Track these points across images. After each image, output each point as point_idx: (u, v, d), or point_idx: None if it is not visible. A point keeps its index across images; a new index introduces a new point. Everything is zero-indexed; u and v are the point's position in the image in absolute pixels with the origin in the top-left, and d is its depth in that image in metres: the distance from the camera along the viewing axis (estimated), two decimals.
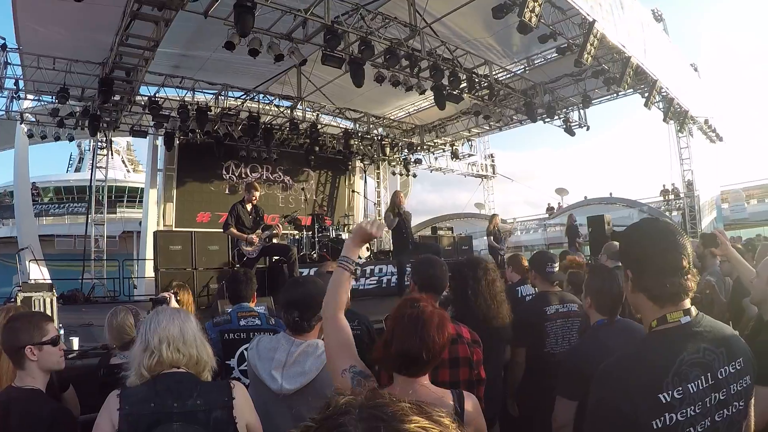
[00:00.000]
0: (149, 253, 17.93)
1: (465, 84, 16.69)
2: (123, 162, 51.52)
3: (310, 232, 17.28)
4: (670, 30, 22.56)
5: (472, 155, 30.73)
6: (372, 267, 15.84)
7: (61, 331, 7.62)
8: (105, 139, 22.14)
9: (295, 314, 3.34)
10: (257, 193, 10.80)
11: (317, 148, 23.51)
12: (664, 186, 32.80)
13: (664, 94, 19.18)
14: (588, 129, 22.41)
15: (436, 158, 29.02)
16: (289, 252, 10.74)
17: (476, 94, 18.22)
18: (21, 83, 16.72)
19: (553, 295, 5.11)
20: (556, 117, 21.38)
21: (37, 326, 3.34)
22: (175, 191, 22.28)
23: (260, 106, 20.98)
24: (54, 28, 13.99)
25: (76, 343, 7.12)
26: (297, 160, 24.88)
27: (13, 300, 9.22)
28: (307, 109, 22.29)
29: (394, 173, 29.19)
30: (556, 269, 5.27)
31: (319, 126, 22.62)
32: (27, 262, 19.44)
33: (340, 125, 24.77)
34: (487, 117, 21.23)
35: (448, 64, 15.83)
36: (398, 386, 2.58)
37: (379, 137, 25.98)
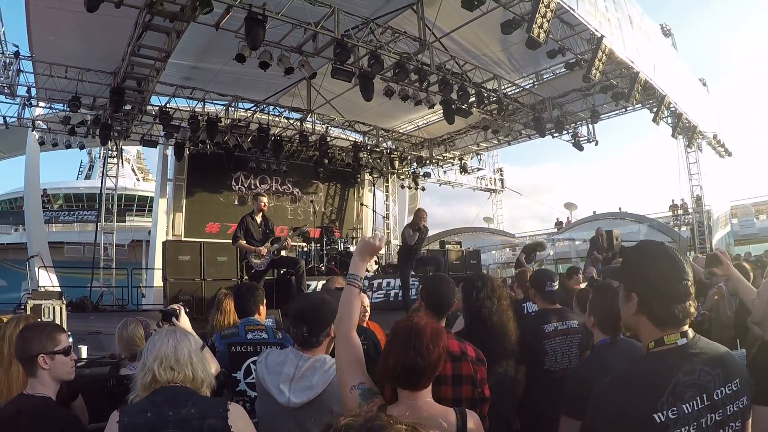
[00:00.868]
0: (158, 262, 17.99)
1: (474, 98, 16.67)
2: (133, 170, 51.62)
3: (319, 245, 17.34)
4: (678, 44, 22.59)
5: (481, 169, 30.74)
6: (379, 281, 15.89)
7: (70, 340, 7.69)
8: (115, 147, 22.28)
9: (304, 329, 3.39)
10: (264, 199, 10.80)
11: (326, 161, 23.52)
12: (673, 201, 32.79)
13: (673, 109, 19.16)
14: (597, 144, 22.37)
15: (444, 172, 28.99)
16: (297, 265, 10.77)
17: (485, 108, 18.30)
18: (33, 90, 16.86)
19: (552, 312, 5.13)
20: (565, 132, 21.41)
21: (50, 336, 3.44)
22: (184, 201, 22.34)
23: (270, 118, 21.07)
24: (67, 38, 14.12)
25: (84, 351, 7.15)
26: (306, 172, 24.94)
27: (23, 307, 9.29)
28: (316, 121, 22.34)
29: (402, 186, 29.20)
30: (556, 287, 5.29)
31: (329, 138, 22.70)
32: (36, 269, 19.53)
33: (350, 138, 24.80)
34: (495, 131, 21.24)
35: (457, 78, 15.90)
36: (402, 403, 2.63)
37: (388, 150, 26.01)
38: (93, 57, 15.26)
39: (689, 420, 2.03)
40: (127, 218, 41.63)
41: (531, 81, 19.76)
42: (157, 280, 18.24)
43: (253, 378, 4.32)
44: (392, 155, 26.08)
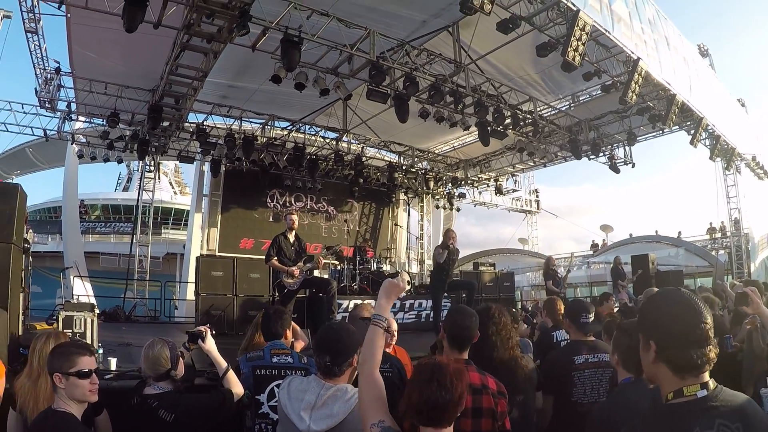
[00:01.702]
0: (191, 276, 18.14)
1: (509, 120, 16.68)
2: (170, 184, 52.20)
3: (352, 264, 17.36)
4: (716, 64, 22.37)
5: (516, 190, 30.58)
6: (411, 301, 15.87)
7: (100, 351, 7.78)
8: (153, 162, 22.57)
9: (327, 359, 3.42)
10: (294, 218, 10.82)
11: (361, 180, 23.50)
12: (711, 224, 32.33)
13: (711, 131, 18.97)
14: (633, 166, 22.20)
15: (480, 192, 28.84)
16: (329, 286, 10.75)
17: (520, 130, 18.23)
18: (73, 105, 17.26)
19: (583, 344, 5.06)
20: (601, 154, 21.23)
21: (67, 357, 3.55)
22: (219, 216, 22.54)
23: (306, 137, 21.24)
24: (106, 55, 14.41)
25: (113, 363, 7.21)
26: (341, 190, 25.02)
27: (55, 317, 9.41)
28: (352, 141, 22.38)
29: (437, 207, 29.11)
30: (591, 319, 5.23)
31: (364, 158, 22.71)
32: (71, 278, 19.78)
33: (385, 158, 24.83)
34: (531, 153, 21.19)
35: (492, 100, 15.88)
36: None
37: (423, 171, 25.92)
38: (132, 74, 15.53)
39: None
40: (163, 231, 42.01)
41: (567, 103, 19.68)
42: (190, 294, 18.37)
43: (276, 401, 4.36)
44: (427, 176, 25.97)
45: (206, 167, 22.01)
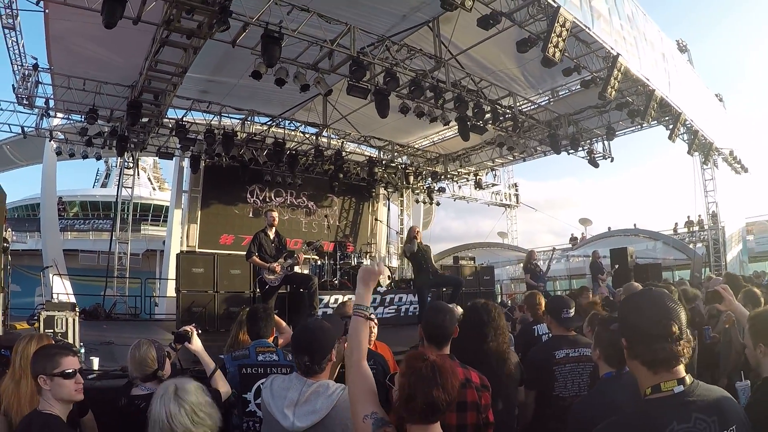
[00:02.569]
0: (172, 273, 18.06)
1: (489, 115, 16.73)
2: (149, 179, 51.88)
3: (332, 259, 17.35)
4: (695, 59, 22.57)
5: (496, 185, 30.79)
6: (392, 296, 15.89)
7: (82, 350, 7.75)
8: (132, 158, 22.44)
9: (306, 359, 3.46)
10: (274, 214, 10.89)
11: (341, 175, 23.55)
12: (688, 217, 32.56)
13: (689, 126, 19.11)
14: (612, 160, 22.39)
15: (459, 187, 29.03)
16: (309, 282, 10.78)
17: (500, 125, 18.29)
18: (51, 102, 17.07)
19: (564, 339, 5.11)
20: (580, 148, 21.38)
21: (51, 359, 3.54)
22: (199, 212, 22.48)
23: (286, 132, 21.20)
24: (85, 51, 14.29)
25: (96, 363, 7.18)
26: (321, 186, 25.03)
27: (36, 317, 9.35)
28: (332, 136, 22.40)
29: (417, 201, 29.19)
30: (572, 314, 5.27)
31: (344, 153, 22.75)
32: (51, 276, 19.64)
33: (365, 153, 24.90)
34: (510, 148, 21.28)
35: (472, 95, 15.93)
36: None
37: (403, 165, 26.10)
38: (111, 70, 15.43)
39: None
40: (142, 227, 41.79)
41: (547, 98, 19.82)
42: (171, 291, 18.29)
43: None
44: (407, 170, 26.15)
45: (186, 163, 21.92)
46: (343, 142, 22.98)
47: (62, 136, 20.40)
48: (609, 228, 37.48)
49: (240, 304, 12.88)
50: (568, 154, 21.55)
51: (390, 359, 5.58)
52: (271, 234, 10.69)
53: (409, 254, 12.74)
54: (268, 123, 20.74)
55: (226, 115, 19.78)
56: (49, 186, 24.19)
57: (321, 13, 12.47)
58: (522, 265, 19.15)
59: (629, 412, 2.34)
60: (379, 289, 11.67)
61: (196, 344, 4.63)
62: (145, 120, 17.16)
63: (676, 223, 33.91)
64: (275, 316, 5.60)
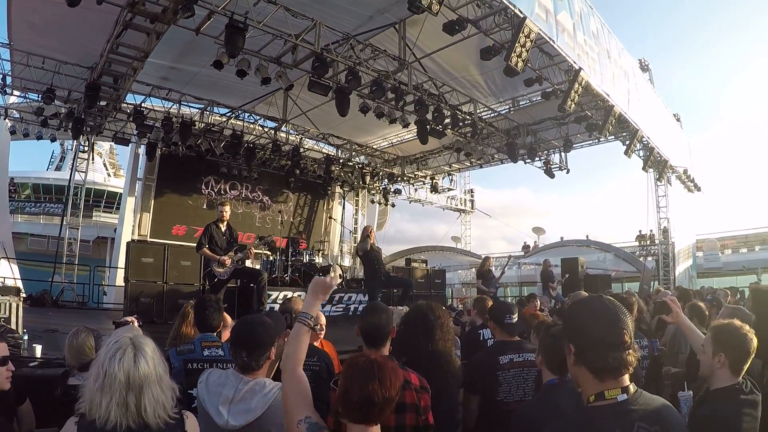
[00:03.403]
0: (122, 261, 17.82)
1: (449, 120, 16.84)
2: (104, 165, 51.13)
3: (284, 255, 17.28)
4: (655, 79, 22.94)
5: (452, 189, 30.98)
6: (341, 294, 15.90)
7: (25, 337, 7.61)
8: (87, 142, 22.09)
9: (243, 354, 3.39)
10: (226, 208, 10.76)
11: (298, 171, 23.54)
12: (640, 231, 32.95)
13: (645, 142, 19.49)
14: (568, 172, 22.74)
15: (416, 189, 29.19)
16: (259, 277, 10.74)
17: (459, 130, 18.38)
18: (8, 79, 16.74)
19: (508, 344, 5.10)
20: (537, 158, 21.63)
21: None
22: (152, 201, 22.23)
23: (244, 125, 21.12)
24: (47, 29, 14.01)
25: (39, 350, 7.07)
26: (277, 181, 24.97)
27: None
28: (291, 131, 22.33)
29: (372, 201, 29.29)
30: (515, 320, 5.28)
31: (302, 149, 22.68)
32: None
33: (323, 150, 24.89)
34: (468, 154, 21.36)
35: (433, 99, 16.00)
36: None
37: (361, 165, 26.15)
38: (71, 50, 15.19)
39: None
40: (94, 214, 41.22)
41: (507, 107, 20.00)
42: (120, 280, 18.03)
43: None
44: (364, 170, 26.21)
45: (142, 150, 21.72)
46: (301, 138, 22.92)
47: (17, 115, 20.05)
48: (561, 238, 38.06)
49: (189, 296, 12.74)
50: (525, 163, 21.81)
51: (335, 358, 5.56)
52: (223, 226, 10.60)
53: (361, 253, 12.73)
54: (228, 114, 20.63)
55: (186, 103, 19.58)
56: (1, 166, 23.68)
57: (288, 6, 12.41)
58: (475, 270, 19.25)
59: (572, 419, 2.35)
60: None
61: None
62: (102, 103, 16.89)
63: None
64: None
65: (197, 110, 20.36)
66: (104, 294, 21.59)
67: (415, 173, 27.17)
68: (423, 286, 18.75)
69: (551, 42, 12.37)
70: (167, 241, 19.09)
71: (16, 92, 18.15)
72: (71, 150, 35.91)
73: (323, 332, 5.73)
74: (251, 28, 11.78)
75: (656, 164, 21.56)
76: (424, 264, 21.83)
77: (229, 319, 5.93)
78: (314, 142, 24.21)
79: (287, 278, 16.46)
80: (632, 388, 2.23)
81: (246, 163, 22.14)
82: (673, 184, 24.70)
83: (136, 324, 4.59)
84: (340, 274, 3.35)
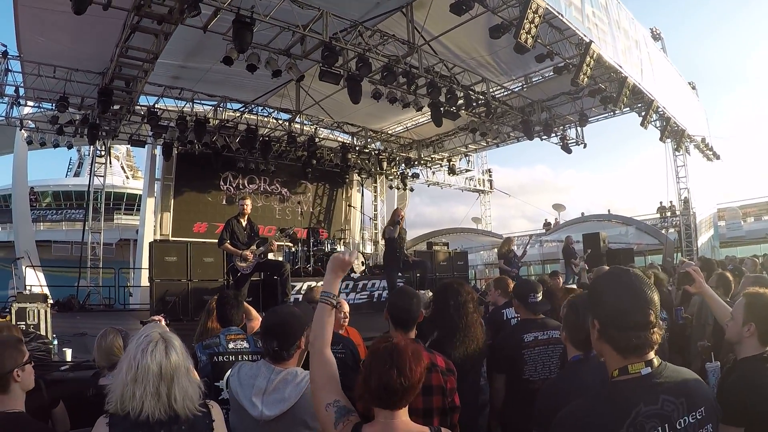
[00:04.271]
0: (145, 262, 17.97)
1: (462, 101, 16.75)
2: (122, 168, 51.43)
3: (306, 246, 17.33)
4: (669, 48, 22.73)
5: (470, 170, 30.80)
6: (365, 282, 15.93)
7: (55, 342, 7.71)
8: (104, 146, 22.23)
9: (274, 344, 3.41)
10: (248, 202, 10.78)
11: (315, 161, 23.60)
12: (661, 203, 32.73)
13: (661, 113, 19.30)
14: (585, 146, 22.53)
15: (433, 173, 29.09)
16: (282, 269, 10.75)
17: (473, 111, 18.32)
18: (21, 90, 16.84)
19: (533, 322, 5.10)
20: (553, 134, 21.51)
21: (18, 349, 3.44)
22: (172, 201, 22.32)
23: (258, 119, 21.09)
24: (55, 38, 14.09)
25: (69, 354, 7.14)
26: (294, 172, 24.99)
27: (8, 310, 9.27)
28: (305, 122, 22.40)
29: (391, 187, 29.24)
30: (539, 299, 5.26)
31: (317, 139, 22.76)
32: (23, 268, 19.47)
33: (338, 139, 24.92)
34: (483, 134, 21.29)
35: (445, 81, 15.94)
36: (378, 421, 2.64)
37: (377, 151, 26.06)
38: (81, 57, 15.24)
39: None
40: (115, 217, 41.60)
41: (520, 84, 19.86)
42: (144, 280, 18.22)
43: None
44: (381, 156, 26.13)
45: (158, 151, 21.85)
46: (316, 128, 22.98)
47: (33, 125, 20.19)
48: (582, 213, 37.72)
49: (214, 292, 12.82)
50: (541, 140, 21.67)
51: (360, 344, 5.59)
52: (244, 221, 10.62)
53: (388, 237, 12.73)
54: (241, 109, 20.67)
55: (198, 101, 19.64)
56: (21, 176, 23.91)
57: None
58: (497, 250, 19.23)
59: (596, 394, 2.30)
60: (352, 275, 11.65)
61: None
62: (116, 107, 16.98)
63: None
64: (244, 303, 5.56)
65: (210, 107, 20.40)
66: (130, 295, 21.80)
67: (432, 156, 27.09)
68: (445, 269, 18.75)
69: (560, 16, 12.25)
70: (189, 239, 19.20)
71: (30, 103, 18.33)
72: (88, 155, 36.15)
73: (347, 320, 5.76)
74: (258, 22, 11.79)
75: (673, 134, 21.39)
76: (446, 247, 21.80)
77: (253, 311, 5.97)
78: (329, 131, 24.22)
79: (310, 268, 16.52)
80: (656, 361, 2.19)
81: (262, 157, 22.16)
82: (692, 153, 24.46)
83: (163, 323, 4.61)
84: (362, 261, 3.34)
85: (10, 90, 16.50)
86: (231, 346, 4.77)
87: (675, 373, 2.22)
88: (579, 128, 22.07)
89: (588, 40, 13.30)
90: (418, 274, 14.20)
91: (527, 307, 5.24)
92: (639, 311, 2.17)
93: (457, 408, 3.64)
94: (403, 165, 27.23)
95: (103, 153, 22.97)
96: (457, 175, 29.63)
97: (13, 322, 7.87)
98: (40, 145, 20.45)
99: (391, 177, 28.34)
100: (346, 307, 5.73)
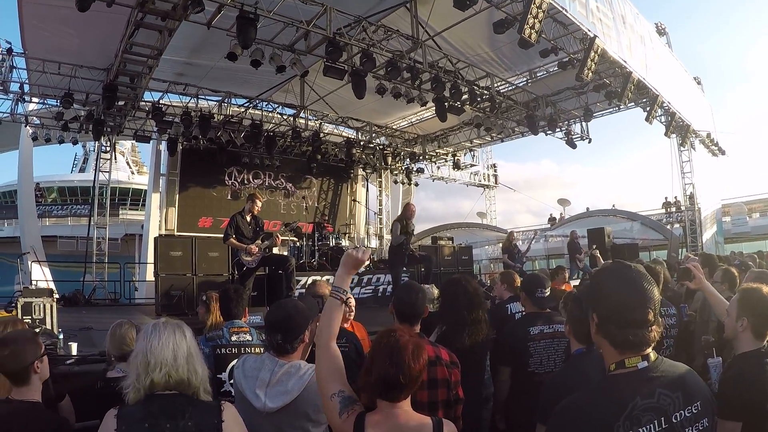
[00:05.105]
0: (150, 257, 18.01)
1: (466, 96, 16.76)
2: (128, 163, 51.61)
3: (311, 240, 17.36)
4: (674, 44, 22.65)
5: (474, 165, 30.86)
6: (369, 276, 15.98)
7: (60, 336, 7.75)
8: (109, 142, 22.28)
9: (278, 337, 3.44)
10: (259, 203, 10.83)
11: (319, 156, 23.52)
12: (666, 198, 32.64)
13: (666, 108, 19.26)
14: (590, 141, 22.53)
15: (438, 167, 29.12)
16: (287, 263, 10.80)
17: (477, 106, 18.31)
18: (26, 87, 16.92)
19: (539, 315, 5.14)
20: (558, 129, 21.49)
21: (35, 342, 3.53)
22: (177, 196, 22.36)
23: (263, 114, 21.17)
24: (59, 34, 14.11)
25: (74, 348, 7.17)
26: (299, 167, 24.96)
27: (14, 305, 9.30)
28: (309, 117, 22.42)
29: (396, 182, 29.20)
30: (547, 294, 5.29)
31: (322, 134, 22.74)
32: (29, 263, 19.54)
33: (343, 134, 24.92)
34: (488, 129, 21.27)
35: (449, 76, 15.92)
36: (380, 411, 2.71)
37: (381, 146, 26.13)
38: (86, 53, 15.27)
39: None
40: (121, 212, 41.71)
41: (524, 79, 19.88)
42: (150, 275, 18.22)
43: None
44: (385, 151, 26.18)
45: (163, 146, 21.83)
46: (320, 123, 22.97)
47: (38, 121, 20.24)
48: (587, 208, 37.71)
49: (219, 287, 12.83)
50: (546, 135, 21.68)
51: (365, 339, 5.62)
52: (248, 216, 10.66)
53: (399, 232, 12.77)
54: (245, 105, 20.73)
55: (203, 97, 19.67)
56: (26, 172, 24.02)
57: None
58: (501, 245, 19.24)
59: (593, 387, 2.32)
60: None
61: None
62: (121, 103, 17.03)
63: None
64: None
65: (215, 103, 20.39)
66: (135, 290, 21.86)
67: (437, 151, 27.11)
68: (450, 264, 18.74)
69: (564, 11, 12.23)
70: (194, 234, 19.31)
71: (35, 99, 18.37)
72: (93, 151, 36.17)
73: (352, 314, 5.79)
74: (262, 17, 11.78)
75: (678, 129, 21.31)
76: (451, 241, 21.80)
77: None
78: (334, 126, 24.21)
79: (315, 263, 16.54)
80: (653, 355, 2.21)
81: (267, 152, 22.21)
82: (697, 148, 24.38)
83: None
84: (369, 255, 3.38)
85: (15, 87, 16.62)
86: (234, 338, 4.86)
87: (671, 368, 2.23)
88: (584, 123, 22.07)
89: (592, 35, 13.27)
90: (423, 269, 14.23)
91: (534, 302, 5.28)
92: (638, 308, 2.18)
93: (461, 400, 3.68)
94: (407, 160, 27.27)
95: (108, 149, 22.99)
96: (462, 169, 29.63)
97: (19, 316, 7.90)
98: (45, 141, 20.54)
99: (395, 172, 28.37)
100: (352, 302, 5.76)
